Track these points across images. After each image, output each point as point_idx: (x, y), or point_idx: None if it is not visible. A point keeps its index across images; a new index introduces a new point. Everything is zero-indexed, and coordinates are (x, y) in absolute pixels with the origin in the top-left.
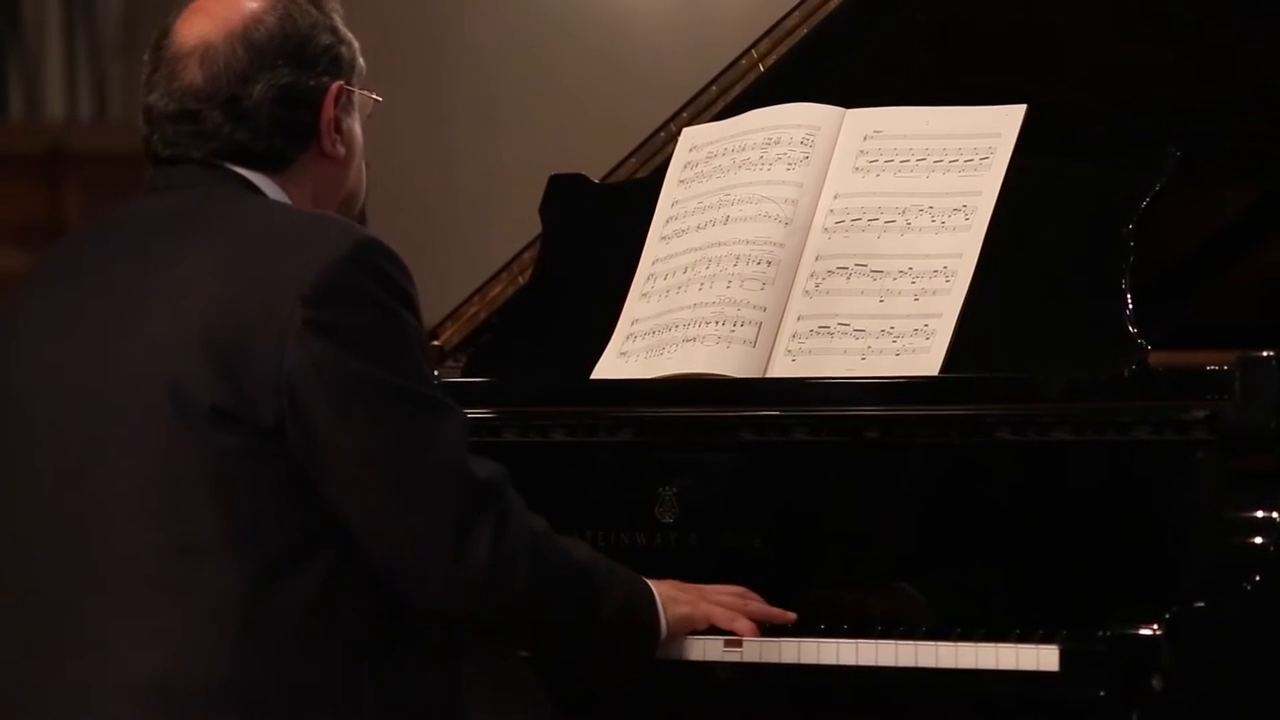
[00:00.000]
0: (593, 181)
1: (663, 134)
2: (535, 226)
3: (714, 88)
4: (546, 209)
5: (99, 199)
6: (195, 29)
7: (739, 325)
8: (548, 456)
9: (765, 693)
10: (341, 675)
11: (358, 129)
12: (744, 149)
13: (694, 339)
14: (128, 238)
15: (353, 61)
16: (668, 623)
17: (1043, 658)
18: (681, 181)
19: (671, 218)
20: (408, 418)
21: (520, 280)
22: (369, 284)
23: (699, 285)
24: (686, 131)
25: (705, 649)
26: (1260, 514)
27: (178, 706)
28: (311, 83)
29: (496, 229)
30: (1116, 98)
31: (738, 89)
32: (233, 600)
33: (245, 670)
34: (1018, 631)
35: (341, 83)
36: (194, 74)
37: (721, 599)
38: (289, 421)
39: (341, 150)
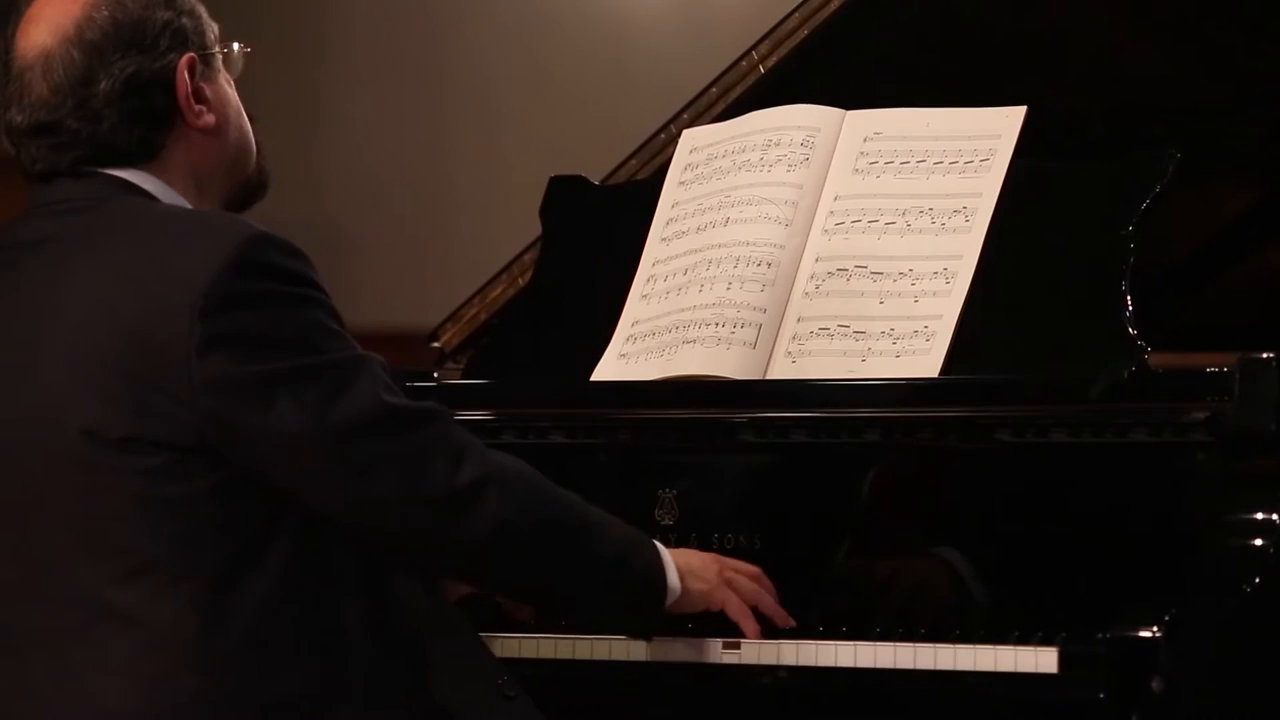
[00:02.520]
0: (593, 183)
1: (663, 135)
2: (535, 228)
3: (714, 89)
4: (547, 211)
5: None
6: (32, 39)
7: (739, 327)
8: (547, 458)
9: (765, 694)
10: (308, 670)
11: (228, 90)
12: (744, 150)
13: (694, 340)
14: (15, 269)
15: (200, 28)
16: (683, 588)
17: (1041, 659)
18: (682, 183)
19: (671, 219)
20: (329, 390)
21: (520, 282)
22: (260, 283)
23: (699, 287)
24: (687, 133)
25: (704, 651)
26: (1260, 516)
27: None
28: (157, 65)
29: (497, 231)
30: (1116, 99)
31: (738, 90)
32: (185, 618)
33: (209, 685)
34: (1017, 633)
35: (191, 54)
36: (39, 87)
37: (740, 583)
38: (215, 435)
39: (211, 119)
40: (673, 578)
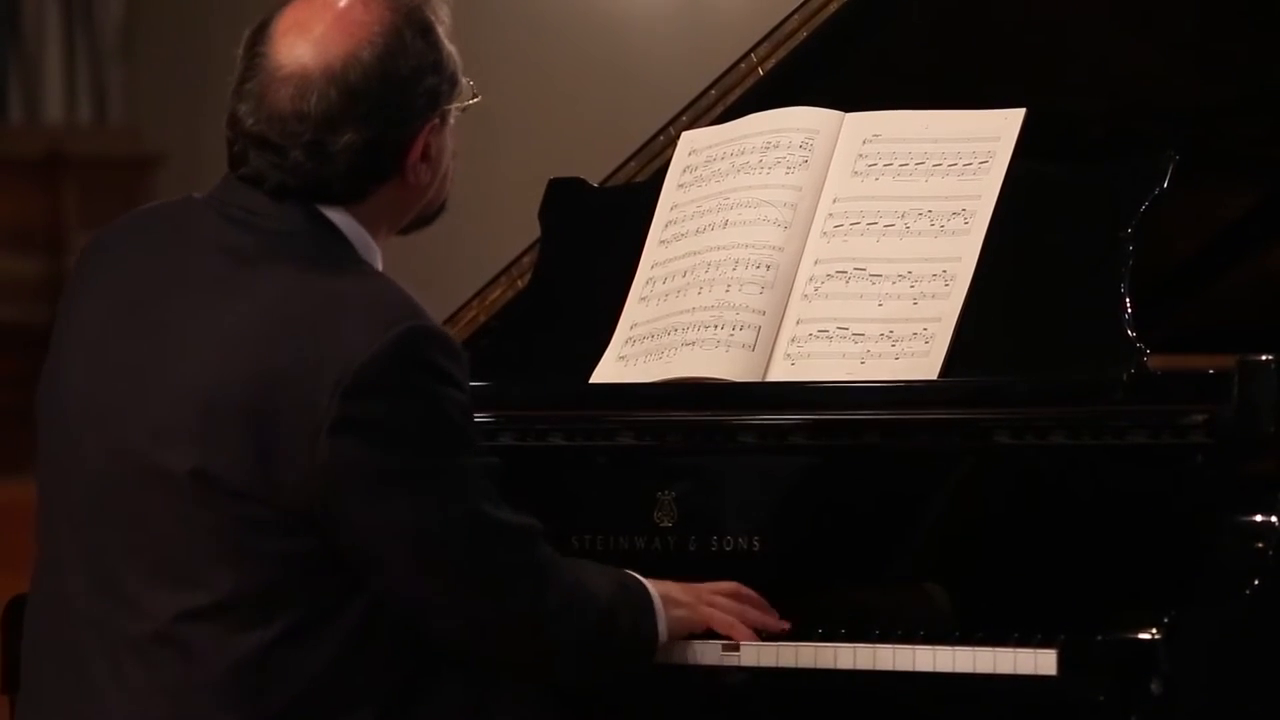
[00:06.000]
0: (592, 185)
1: (662, 138)
2: (534, 230)
3: (713, 91)
4: (545, 213)
5: (98, 203)
6: (294, 51)
7: (738, 329)
8: (546, 461)
9: (764, 697)
10: None
11: (449, 138)
12: (743, 153)
13: (693, 343)
14: (184, 270)
15: (452, 90)
16: (667, 628)
17: (1041, 661)
18: (680, 185)
19: (670, 221)
20: (439, 498)
21: (519, 284)
22: (411, 376)
23: (698, 289)
24: (686, 135)
25: (703, 653)
26: (1259, 518)
27: None
28: (402, 132)
29: (495, 233)
30: (1116, 101)
31: (737, 92)
32: (244, 667)
33: None
34: (1016, 635)
35: (435, 121)
36: (284, 104)
37: (718, 601)
38: (320, 508)
39: (427, 177)
40: (661, 630)
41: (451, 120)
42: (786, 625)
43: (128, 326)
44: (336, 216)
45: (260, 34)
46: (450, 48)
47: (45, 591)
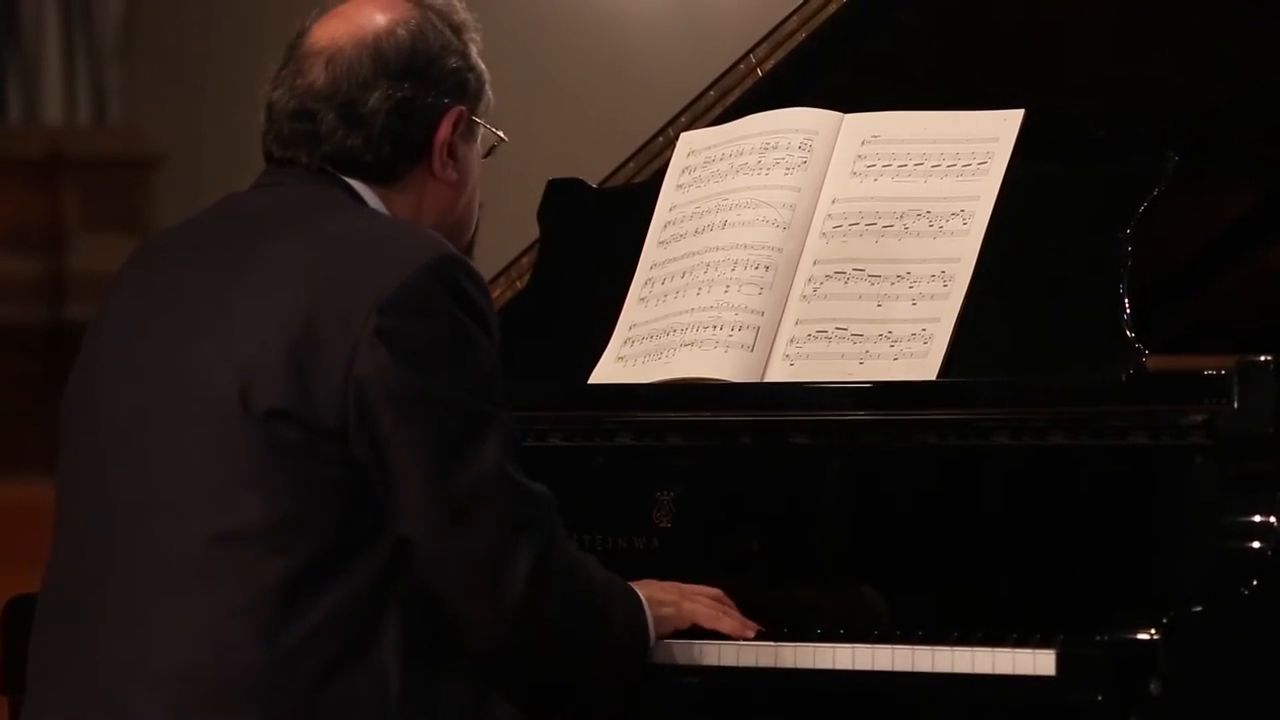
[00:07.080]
0: (590, 186)
1: (661, 138)
2: (533, 231)
3: (712, 92)
4: (544, 213)
5: (97, 203)
6: (329, 31)
7: (736, 330)
8: (545, 461)
9: (763, 697)
10: (368, 682)
11: (475, 160)
12: (742, 154)
13: (691, 343)
14: (224, 234)
15: (479, 91)
16: (655, 628)
17: (1040, 662)
18: (679, 186)
19: (669, 222)
20: (462, 435)
21: (518, 285)
22: (445, 299)
23: (696, 290)
24: (684, 136)
25: (702, 654)
26: (1258, 518)
27: (198, 698)
28: (430, 101)
29: (494, 233)
30: (1115, 102)
31: (736, 93)
32: (268, 595)
33: (271, 667)
34: (1015, 635)
35: (463, 109)
36: (317, 74)
37: (701, 598)
38: (353, 427)
39: (452, 175)
40: (651, 630)
41: (478, 137)
42: (761, 629)
43: (172, 303)
44: (365, 191)
45: (300, 32)
46: (480, 62)
47: (58, 583)
